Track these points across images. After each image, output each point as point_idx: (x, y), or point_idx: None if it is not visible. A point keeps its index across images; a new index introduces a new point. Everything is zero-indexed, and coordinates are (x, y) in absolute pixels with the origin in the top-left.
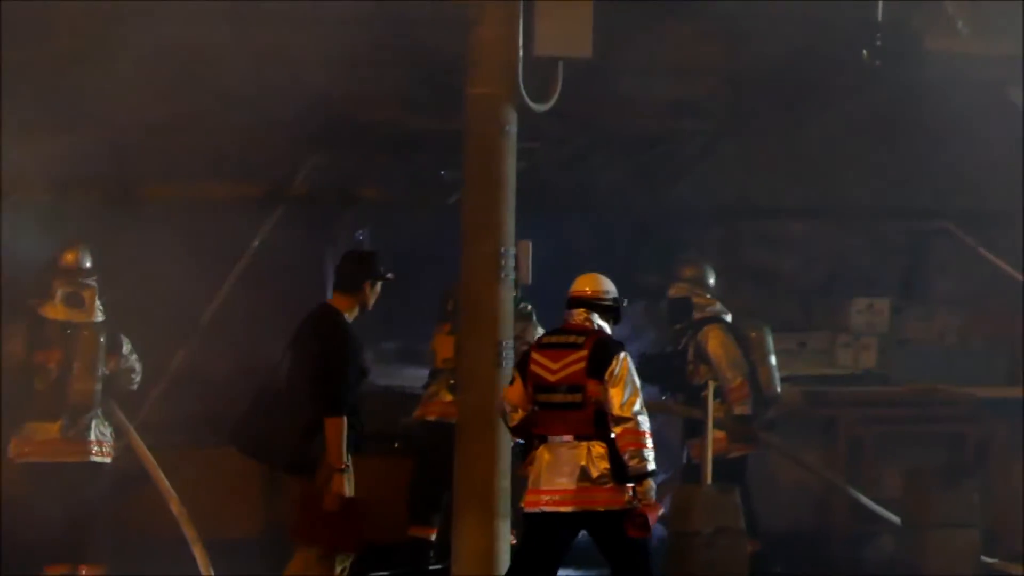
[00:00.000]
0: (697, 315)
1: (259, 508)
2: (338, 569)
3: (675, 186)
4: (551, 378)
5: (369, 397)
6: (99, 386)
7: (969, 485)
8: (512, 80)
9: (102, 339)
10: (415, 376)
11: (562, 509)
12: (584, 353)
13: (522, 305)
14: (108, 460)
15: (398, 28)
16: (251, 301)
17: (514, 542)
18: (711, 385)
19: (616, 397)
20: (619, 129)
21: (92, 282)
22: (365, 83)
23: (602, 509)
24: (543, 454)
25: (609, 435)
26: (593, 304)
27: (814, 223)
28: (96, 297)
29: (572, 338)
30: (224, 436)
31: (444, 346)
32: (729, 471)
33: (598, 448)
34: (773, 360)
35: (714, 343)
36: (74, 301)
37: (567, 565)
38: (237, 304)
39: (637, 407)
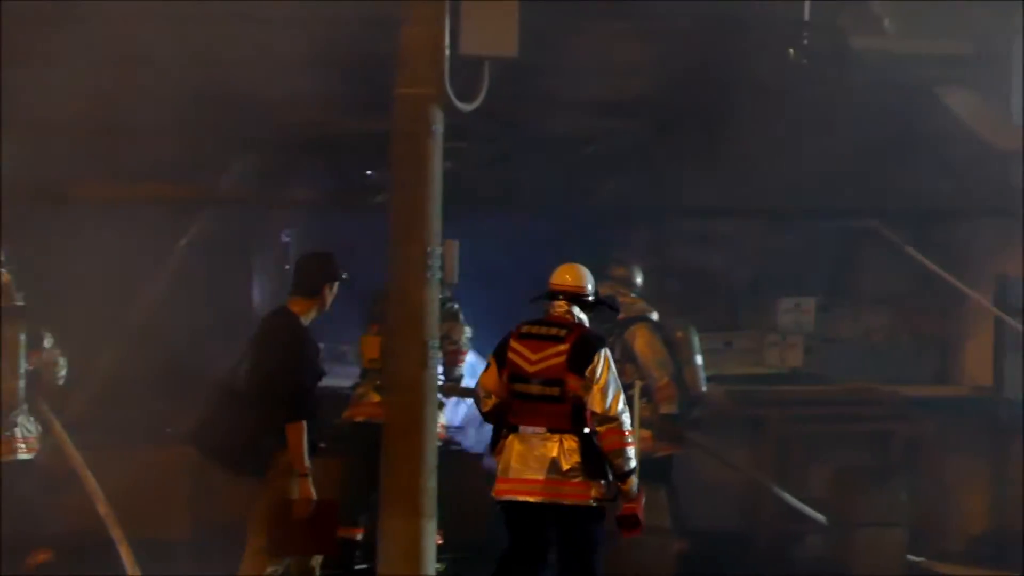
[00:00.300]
0: (623, 315)
1: (188, 510)
2: (269, 569)
3: (604, 185)
4: (529, 369)
5: None
6: (23, 383)
7: (897, 484)
8: (439, 80)
9: (23, 336)
10: (348, 374)
11: (530, 499)
12: (565, 347)
13: (448, 305)
14: (31, 456)
15: (326, 28)
16: (179, 301)
17: (440, 541)
18: (637, 384)
19: (600, 396)
20: (548, 129)
21: (5, 271)
22: (293, 83)
23: (569, 503)
24: (513, 443)
25: (582, 430)
26: (574, 297)
27: (742, 222)
28: (13, 284)
29: (554, 330)
30: (180, 438)
31: (370, 347)
32: (656, 470)
33: (570, 442)
34: (699, 360)
35: (640, 342)
36: None
37: None
38: (165, 304)
39: (621, 406)
